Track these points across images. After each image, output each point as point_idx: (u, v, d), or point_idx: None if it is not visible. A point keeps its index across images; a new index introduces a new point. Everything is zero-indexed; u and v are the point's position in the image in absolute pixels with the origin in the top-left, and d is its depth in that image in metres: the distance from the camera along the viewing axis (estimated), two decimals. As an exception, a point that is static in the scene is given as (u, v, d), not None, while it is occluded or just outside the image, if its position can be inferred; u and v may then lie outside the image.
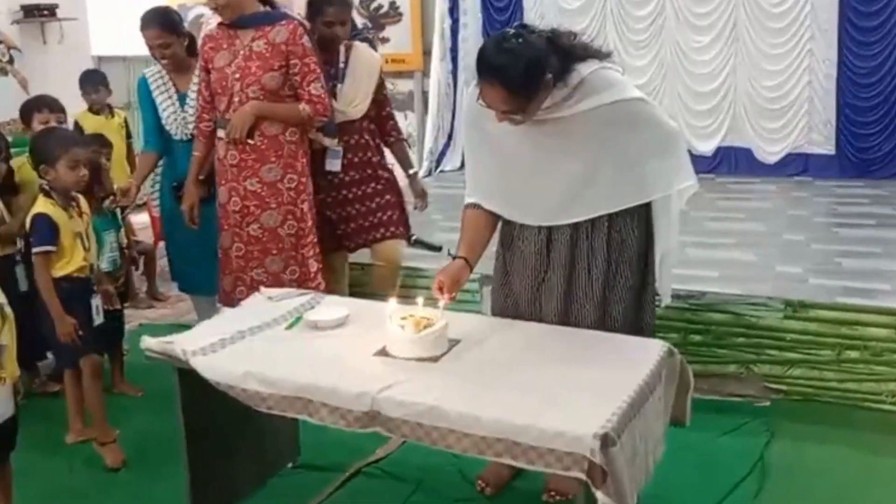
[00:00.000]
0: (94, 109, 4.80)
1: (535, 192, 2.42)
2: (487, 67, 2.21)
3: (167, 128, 3.67)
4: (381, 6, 7.59)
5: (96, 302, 3.03)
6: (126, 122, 4.92)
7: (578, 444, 1.80)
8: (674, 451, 2.31)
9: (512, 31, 2.24)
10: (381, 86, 3.74)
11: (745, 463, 2.88)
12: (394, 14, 7.58)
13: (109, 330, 3.35)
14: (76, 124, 4.47)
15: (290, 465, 2.94)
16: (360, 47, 3.70)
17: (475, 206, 2.55)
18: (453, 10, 7.27)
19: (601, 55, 2.33)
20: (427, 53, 7.44)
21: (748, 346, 3.48)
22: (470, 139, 2.59)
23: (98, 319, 3.03)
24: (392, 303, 2.43)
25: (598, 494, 1.79)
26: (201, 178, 3.55)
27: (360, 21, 6.65)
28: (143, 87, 3.71)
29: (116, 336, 3.57)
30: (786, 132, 6.69)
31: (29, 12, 6.50)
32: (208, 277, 3.64)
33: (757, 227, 5.05)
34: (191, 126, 3.58)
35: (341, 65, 3.61)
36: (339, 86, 3.58)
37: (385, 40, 7.44)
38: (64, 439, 3.12)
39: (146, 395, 3.53)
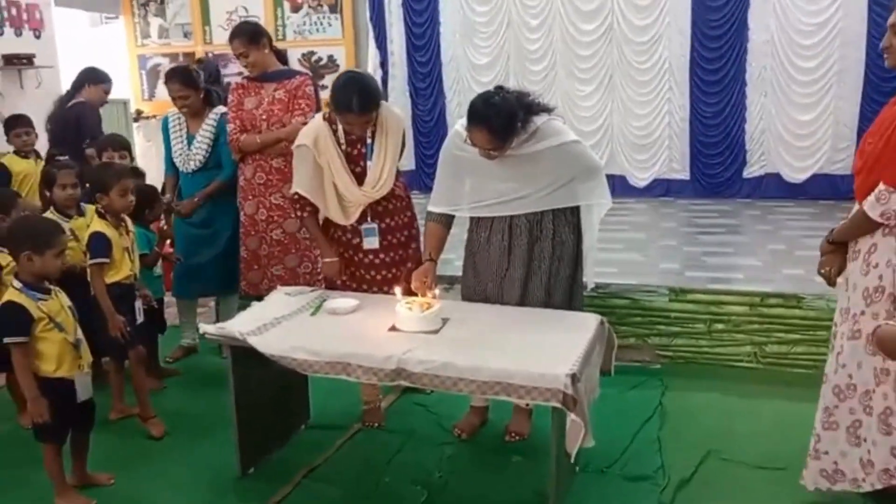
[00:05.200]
0: (22, 153, 4.25)
1: (502, 200, 2.81)
2: (478, 116, 2.59)
3: (175, 161, 3.92)
4: (320, 59, 7.94)
5: (138, 304, 3.20)
6: None
7: (556, 381, 2.21)
8: (594, 402, 2.57)
9: (493, 90, 2.64)
10: (402, 149, 3.08)
11: (648, 408, 3.31)
12: (332, 65, 7.91)
13: (153, 329, 3.60)
14: (3, 167, 4.14)
15: (303, 426, 3.21)
16: (386, 111, 3.00)
17: (435, 220, 2.94)
18: (384, 63, 7.64)
19: (549, 109, 2.75)
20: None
21: (643, 323, 3.92)
22: (451, 166, 2.89)
23: (140, 319, 3.20)
24: (398, 292, 2.80)
25: (572, 416, 2.22)
26: (196, 199, 3.89)
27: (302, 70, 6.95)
28: (165, 125, 3.98)
29: (159, 332, 3.78)
30: (651, 162, 7.31)
31: (9, 61, 6.49)
32: (187, 284, 3.99)
33: (639, 236, 5.50)
34: (192, 163, 3.86)
35: (368, 138, 2.99)
36: (368, 164, 2.99)
37: (324, 87, 7.74)
38: (108, 417, 3.26)
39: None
